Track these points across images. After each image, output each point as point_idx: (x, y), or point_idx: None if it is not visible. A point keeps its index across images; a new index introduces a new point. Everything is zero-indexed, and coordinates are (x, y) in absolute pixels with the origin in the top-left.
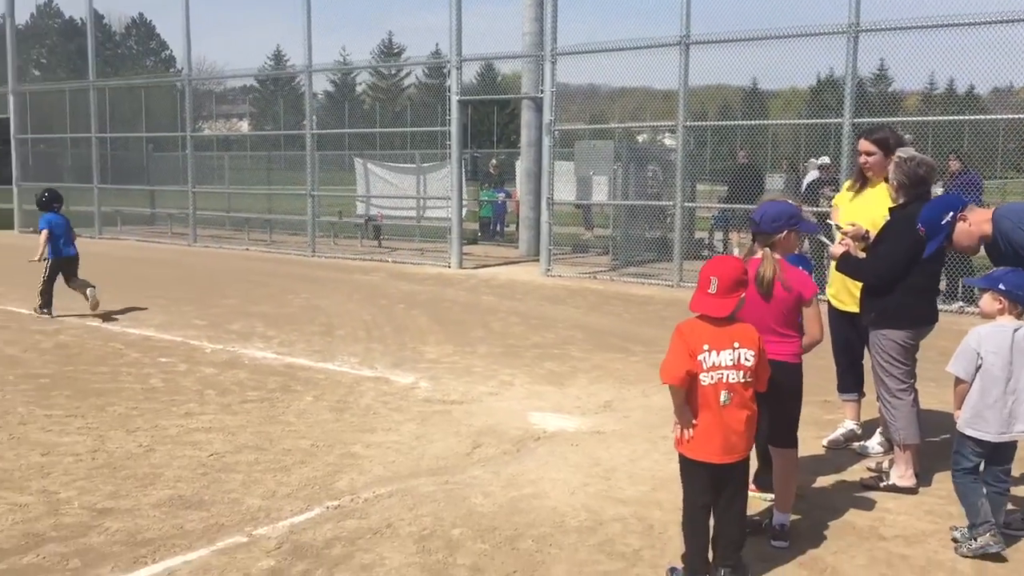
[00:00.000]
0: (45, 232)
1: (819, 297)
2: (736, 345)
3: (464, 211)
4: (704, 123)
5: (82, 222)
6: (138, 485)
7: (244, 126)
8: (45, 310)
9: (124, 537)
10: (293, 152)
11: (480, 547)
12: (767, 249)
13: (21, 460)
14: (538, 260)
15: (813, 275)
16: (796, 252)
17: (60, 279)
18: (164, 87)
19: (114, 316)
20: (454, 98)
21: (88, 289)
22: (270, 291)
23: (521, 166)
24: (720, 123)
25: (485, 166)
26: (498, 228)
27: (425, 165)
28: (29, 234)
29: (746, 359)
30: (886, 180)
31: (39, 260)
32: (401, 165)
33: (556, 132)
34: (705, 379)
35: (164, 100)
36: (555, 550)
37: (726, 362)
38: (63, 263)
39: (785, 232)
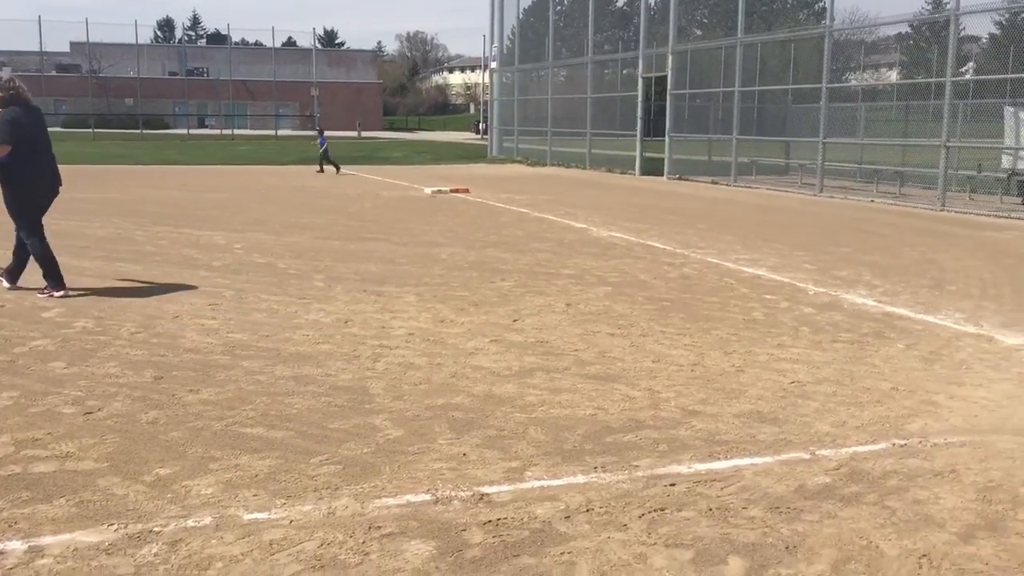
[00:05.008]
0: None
1: None
2: None
3: None
4: None
5: (719, 170)
6: (724, 397)
7: (893, 75)
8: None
9: (705, 435)
10: (935, 102)
11: None
12: None
13: (637, 363)
14: None
15: None
16: None
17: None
18: (812, 40)
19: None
20: None
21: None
22: (886, 242)
23: None
24: None
25: None
26: None
27: None
28: (675, 180)
29: None
30: None
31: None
32: None
33: None
34: None
35: (812, 53)
36: None
37: None
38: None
39: None
